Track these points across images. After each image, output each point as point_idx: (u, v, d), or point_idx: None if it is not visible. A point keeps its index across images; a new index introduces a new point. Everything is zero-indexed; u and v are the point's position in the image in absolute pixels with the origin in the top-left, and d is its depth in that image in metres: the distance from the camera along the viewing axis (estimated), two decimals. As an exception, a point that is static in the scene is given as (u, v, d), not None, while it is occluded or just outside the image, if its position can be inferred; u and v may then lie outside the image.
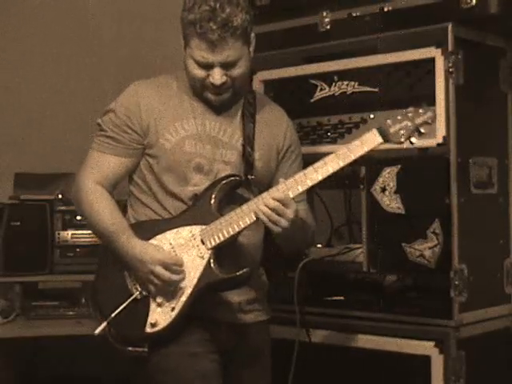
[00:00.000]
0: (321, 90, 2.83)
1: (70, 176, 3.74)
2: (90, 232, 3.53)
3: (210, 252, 2.19)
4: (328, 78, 2.81)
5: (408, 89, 2.65)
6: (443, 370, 2.49)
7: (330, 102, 2.80)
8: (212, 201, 2.22)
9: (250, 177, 2.28)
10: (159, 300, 2.19)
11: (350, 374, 2.68)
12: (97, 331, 2.22)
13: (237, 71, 2.23)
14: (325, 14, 2.82)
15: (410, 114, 2.18)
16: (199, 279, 2.18)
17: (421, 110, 2.18)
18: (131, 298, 2.20)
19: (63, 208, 3.57)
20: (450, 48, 2.53)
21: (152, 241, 2.22)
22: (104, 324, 2.21)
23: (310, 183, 2.17)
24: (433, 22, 2.56)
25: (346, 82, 2.76)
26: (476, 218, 2.61)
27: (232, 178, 2.25)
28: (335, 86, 2.79)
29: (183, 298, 2.18)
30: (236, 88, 2.26)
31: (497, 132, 2.76)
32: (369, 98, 2.72)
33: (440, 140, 2.54)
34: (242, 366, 2.35)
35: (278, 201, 2.13)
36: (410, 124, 2.17)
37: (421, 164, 2.60)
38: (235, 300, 2.30)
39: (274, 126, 2.39)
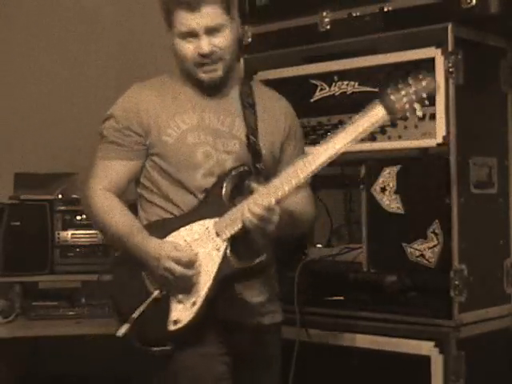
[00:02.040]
0: (321, 89, 2.83)
1: (70, 176, 3.75)
2: (89, 232, 3.54)
3: (225, 243, 2.18)
4: (328, 77, 2.81)
5: (408, 89, 2.65)
6: (443, 369, 2.49)
7: (330, 102, 2.80)
8: (223, 192, 2.22)
9: (258, 165, 2.27)
10: (179, 297, 2.18)
11: (349, 374, 2.68)
12: (120, 332, 2.19)
13: (222, 40, 2.24)
14: (325, 13, 2.82)
15: (411, 82, 2.12)
16: (217, 272, 2.17)
17: (420, 76, 2.13)
18: (151, 298, 2.19)
19: (63, 208, 3.57)
20: (450, 48, 2.53)
21: (167, 239, 2.22)
22: (127, 325, 2.19)
23: (306, 173, 2.13)
24: (433, 22, 2.56)
25: (345, 82, 2.76)
26: (476, 218, 2.61)
27: (241, 169, 2.25)
28: (335, 86, 2.79)
29: (203, 292, 2.16)
30: (226, 62, 2.27)
31: (497, 132, 2.76)
32: (369, 98, 2.70)
33: (440, 140, 2.54)
34: (254, 369, 2.35)
35: (262, 208, 2.11)
36: (413, 96, 2.11)
37: (421, 164, 2.60)
38: (253, 301, 2.30)
39: (274, 112, 2.39)
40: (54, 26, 4.00)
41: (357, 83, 2.74)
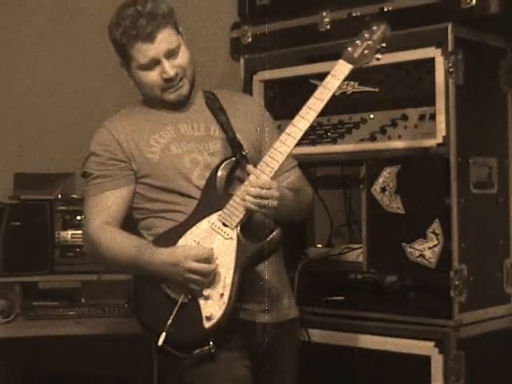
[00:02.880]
0: (321, 89, 2.82)
1: (70, 176, 3.75)
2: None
3: (235, 230, 2.20)
4: (328, 78, 2.80)
5: (408, 89, 2.65)
6: (443, 370, 2.49)
7: (330, 102, 2.80)
8: (217, 187, 2.25)
9: (243, 153, 2.30)
10: (205, 293, 2.18)
11: (349, 374, 2.68)
12: (160, 342, 2.17)
13: (181, 59, 2.31)
14: (325, 13, 2.82)
15: (366, 35, 2.24)
16: (236, 258, 2.18)
17: (374, 27, 2.24)
18: (179, 303, 2.18)
19: (63, 208, 3.57)
20: (450, 48, 2.53)
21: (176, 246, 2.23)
22: (164, 334, 2.17)
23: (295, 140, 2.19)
24: (433, 22, 2.56)
25: (345, 82, 2.75)
26: (476, 218, 2.61)
27: (228, 161, 2.28)
28: (335, 86, 2.79)
29: (228, 281, 2.17)
30: (189, 77, 2.34)
31: (497, 132, 2.76)
32: (369, 98, 2.72)
33: (440, 140, 2.54)
34: (270, 370, 2.35)
35: (258, 187, 2.15)
36: (370, 43, 2.23)
37: (421, 164, 2.61)
38: (272, 297, 2.30)
39: (243, 108, 2.44)
40: (54, 27, 3.99)
41: (357, 83, 2.74)
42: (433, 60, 2.56)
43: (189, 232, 2.23)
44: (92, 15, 3.95)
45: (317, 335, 2.72)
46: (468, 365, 2.51)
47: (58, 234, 3.55)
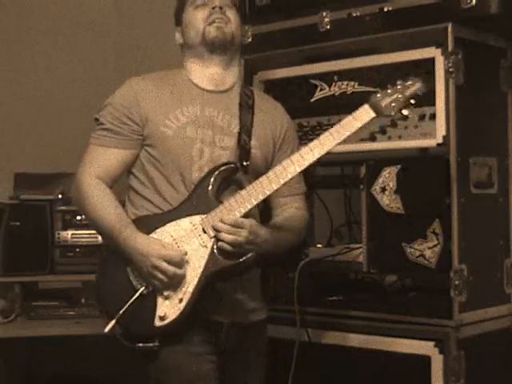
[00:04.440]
0: (321, 90, 2.83)
1: (70, 176, 3.71)
2: (89, 232, 3.54)
3: (212, 240, 2.19)
4: (328, 77, 2.81)
5: (408, 89, 2.65)
6: (443, 369, 2.49)
7: (330, 102, 2.81)
8: (210, 189, 2.23)
9: (245, 163, 2.28)
10: (166, 293, 2.18)
11: (349, 374, 2.68)
12: (106, 329, 2.19)
13: (231, 13, 2.34)
14: (325, 14, 2.82)
15: (399, 87, 2.22)
16: (204, 268, 2.17)
17: (409, 82, 2.23)
18: (137, 294, 2.18)
19: (63, 208, 3.57)
20: (450, 48, 2.53)
21: (152, 235, 2.22)
22: (113, 322, 2.18)
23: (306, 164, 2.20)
24: (433, 22, 2.56)
25: (345, 82, 2.76)
26: (476, 218, 2.61)
27: (228, 166, 2.26)
28: (335, 86, 2.79)
29: (190, 289, 2.17)
30: (233, 29, 2.34)
31: (497, 132, 2.76)
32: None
33: (440, 140, 2.55)
34: (238, 367, 2.34)
35: (228, 224, 2.16)
36: (400, 96, 2.21)
37: (421, 164, 2.61)
38: (238, 298, 2.30)
39: (272, 118, 2.42)
40: (54, 27, 4.00)
41: (357, 83, 2.74)
42: (433, 60, 2.56)
43: (169, 225, 2.22)
44: (95, 20, 3.97)
45: (317, 335, 2.72)
46: (468, 365, 2.51)
47: (58, 233, 3.56)
